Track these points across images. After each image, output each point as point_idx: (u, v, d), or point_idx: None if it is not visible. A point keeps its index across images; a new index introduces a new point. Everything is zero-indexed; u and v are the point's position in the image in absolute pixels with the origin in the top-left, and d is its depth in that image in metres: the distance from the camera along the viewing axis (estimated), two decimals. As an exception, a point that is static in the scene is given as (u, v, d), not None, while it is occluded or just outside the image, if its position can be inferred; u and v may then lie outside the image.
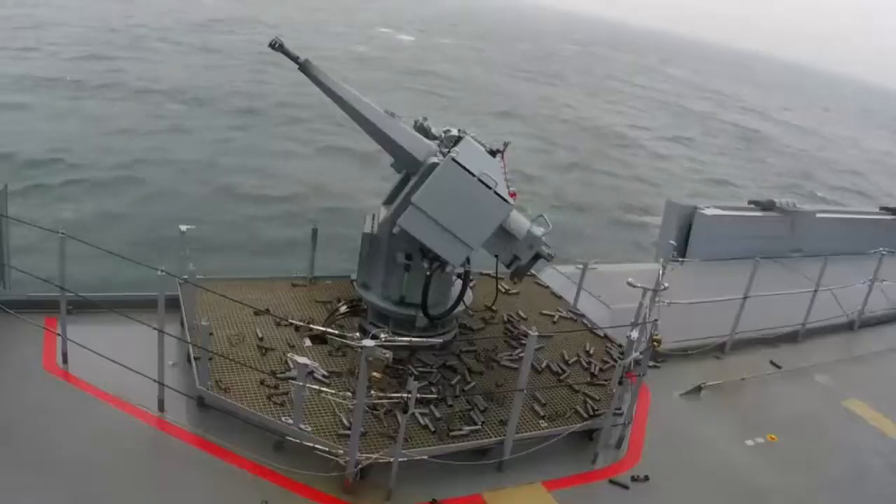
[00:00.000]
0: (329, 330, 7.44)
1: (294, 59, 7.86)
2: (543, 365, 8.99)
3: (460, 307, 8.81)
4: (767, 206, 16.89)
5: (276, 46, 7.79)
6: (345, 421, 7.19)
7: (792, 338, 12.20)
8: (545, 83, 76.57)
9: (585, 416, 8.23)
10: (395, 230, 8.07)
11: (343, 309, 9.32)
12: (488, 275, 10.12)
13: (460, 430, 7.57)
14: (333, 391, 7.13)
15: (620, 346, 9.15)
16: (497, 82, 69.95)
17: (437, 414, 7.68)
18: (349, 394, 7.04)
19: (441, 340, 8.88)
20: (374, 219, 9.06)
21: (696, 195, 35.80)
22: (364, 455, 6.85)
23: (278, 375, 7.73)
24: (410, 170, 8.44)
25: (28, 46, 49.99)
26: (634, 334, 7.80)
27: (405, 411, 6.65)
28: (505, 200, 7.85)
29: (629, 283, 8.08)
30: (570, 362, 9.24)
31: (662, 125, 64.92)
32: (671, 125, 65.75)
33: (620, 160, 47.11)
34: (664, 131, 61.84)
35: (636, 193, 38.63)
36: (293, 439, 6.93)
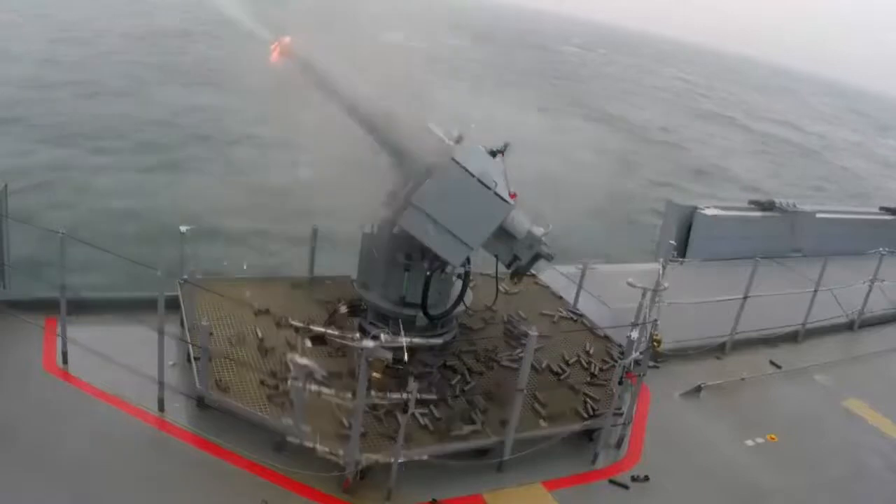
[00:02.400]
0: (329, 331, 7.43)
1: (296, 59, 7.86)
2: (543, 365, 8.98)
3: (460, 307, 8.81)
4: (767, 206, 16.89)
5: (277, 46, 7.80)
6: (345, 421, 7.18)
7: (792, 338, 12.20)
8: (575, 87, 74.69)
9: (585, 416, 8.23)
10: (395, 230, 8.07)
11: (343, 309, 9.31)
12: (488, 275, 10.12)
13: (460, 430, 7.57)
14: (333, 392, 7.13)
15: (620, 346, 9.15)
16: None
17: (437, 414, 7.68)
18: (349, 395, 7.04)
19: (441, 341, 8.88)
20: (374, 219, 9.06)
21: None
22: (364, 455, 6.86)
23: (279, 376, 7.72)
24: (411, 170, 8.45)
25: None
26: (634, 334, 7.80)
27: (405, 412, 6.65)
28: (505, 201, 7.86)
29: (629, 284, 8.08)
30: (570, 362, 9.24)
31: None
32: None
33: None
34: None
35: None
36: (293, 439, 6.93)
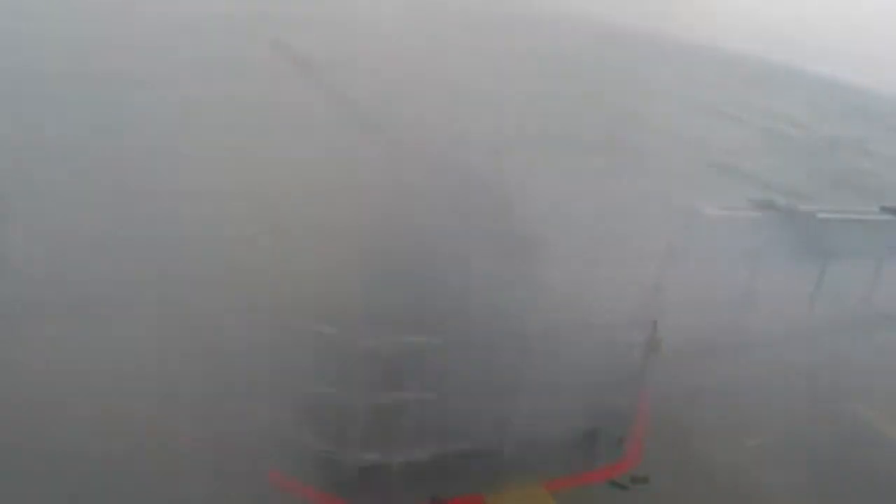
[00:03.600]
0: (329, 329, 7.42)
1: (296, 59, 7.85)
2: (545, 365, 8.96)
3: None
4: (767, 206, 16.83)
5: (279, 46, 7.78)
6: (345, 421, 7.18)
7: (792, 337, 12.19)
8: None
9: (585, 416, 8.23)
10: (397, 229, 8.05)
11: None
12: None
13: (460, 430, 7.56)
14: (334, 391, 7.13)
15: (621, 346, 9.14)
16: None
17: (437, 414, 7.67)
18: (350, 394, 7.04)
19: (440, 340, 8.86)
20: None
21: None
22: (364, 455, 6.86)
23: (281, 374, 7.71)
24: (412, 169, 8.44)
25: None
26: (635, 334, 7.81)
27: (406, 411, 6.66)
28: (505, 200, 7.85)
29: (629, 284, 8.09)
30: (571, 362, 9.21)
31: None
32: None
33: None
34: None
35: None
36: (293, 439, 6.93)
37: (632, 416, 8.59)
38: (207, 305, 8.43)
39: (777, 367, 11.21)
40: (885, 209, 20.03)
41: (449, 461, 7.25)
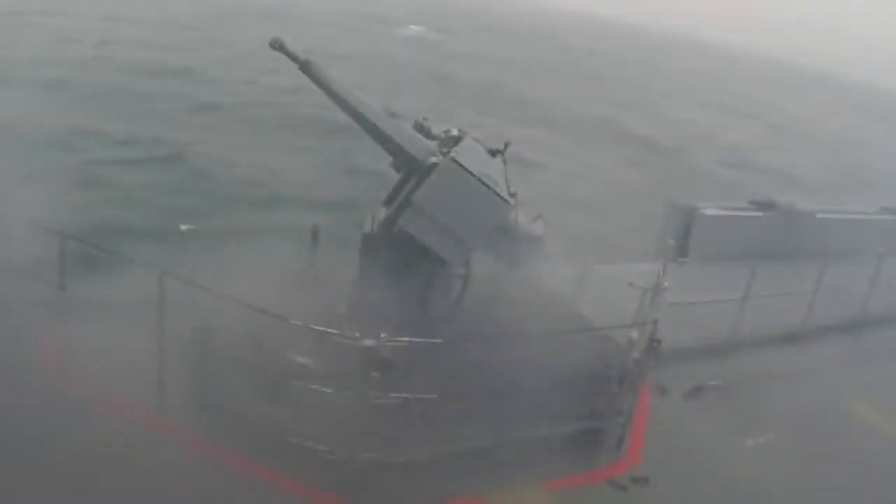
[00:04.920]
0: (329, 329, 7.43)
1: (295, 59, 7.86)
2: (544, 365, 8.96)
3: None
4: (767, 206, 16.85)
5: (277, 46, 7.78)
6: (345, 421, 7.18)
7: (793, 338, 12.19)
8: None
9: (585, 416, 8.23)
10: (395, 230, 8.07)
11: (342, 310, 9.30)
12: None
13: (460, 430, 7.56)
14: (334, 391, 7.13)
15: (621, 346, 9.14)
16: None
17: (437, 413, 7.67)
18: (349, 393, 7.04)
19: (441, 341, 8.86)
20: (373, 219, 9.06)
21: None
22: (364, 455, 6.86)
23: (279, 375, 7.71)
24: (410, 169, 8.45)
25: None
26: (634, 334, 7.80)
27: (406, 411, 6.66)
28: (504, 200, 7.86)
29: (629, 284, 8.09)
30: (570, 362, 9.21)
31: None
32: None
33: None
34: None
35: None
36: (293, 439, 6.93)
37: (632, 416, 8.59)
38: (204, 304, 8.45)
39: (777, 367, 11.20)
40: (885, 209, 20.05)
41: (449, 461, 7.26)
